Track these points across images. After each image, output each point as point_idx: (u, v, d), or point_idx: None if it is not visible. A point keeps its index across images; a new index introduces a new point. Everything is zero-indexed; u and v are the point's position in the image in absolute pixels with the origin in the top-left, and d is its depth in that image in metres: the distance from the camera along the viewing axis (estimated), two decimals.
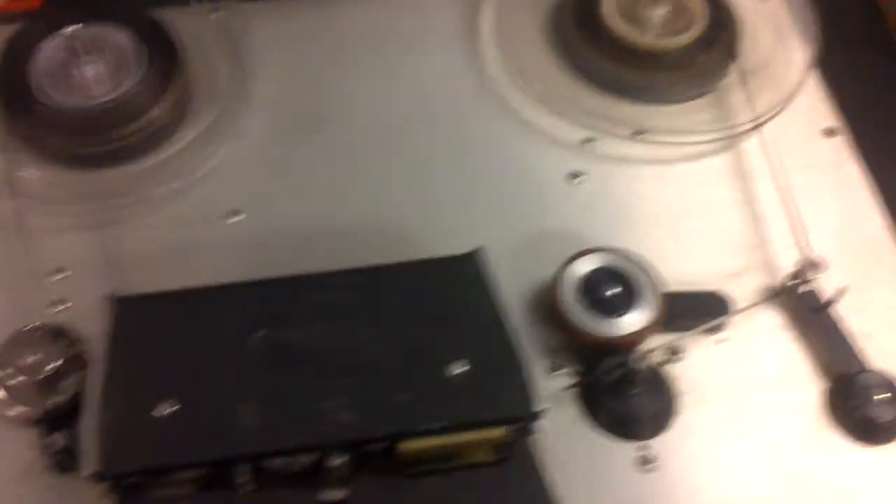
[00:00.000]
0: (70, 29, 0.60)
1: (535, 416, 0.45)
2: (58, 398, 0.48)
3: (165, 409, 0.45)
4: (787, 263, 0.54)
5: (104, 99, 0.58)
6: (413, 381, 0.45)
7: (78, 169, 0.58)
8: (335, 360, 0.46)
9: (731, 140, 0.61)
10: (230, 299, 0.49)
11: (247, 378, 0.46)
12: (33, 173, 0.58)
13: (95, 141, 0.58)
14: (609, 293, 0.50)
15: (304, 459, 0.45)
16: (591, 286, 0.50)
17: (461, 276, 0.49)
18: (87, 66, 0.59)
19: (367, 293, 0.49)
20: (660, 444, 0.49)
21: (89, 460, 0.43)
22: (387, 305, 0.48)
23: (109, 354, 0.47)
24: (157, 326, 0.48)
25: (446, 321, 0.48)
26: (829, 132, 0.62)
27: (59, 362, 0.48)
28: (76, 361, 0.49)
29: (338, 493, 0.46)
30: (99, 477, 0.43)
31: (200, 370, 0.46)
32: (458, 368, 0.46)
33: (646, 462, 0.48)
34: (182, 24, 0.62)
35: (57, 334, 0.50)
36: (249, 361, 0.46)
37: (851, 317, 0.52)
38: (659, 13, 0.63)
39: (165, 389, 0.45)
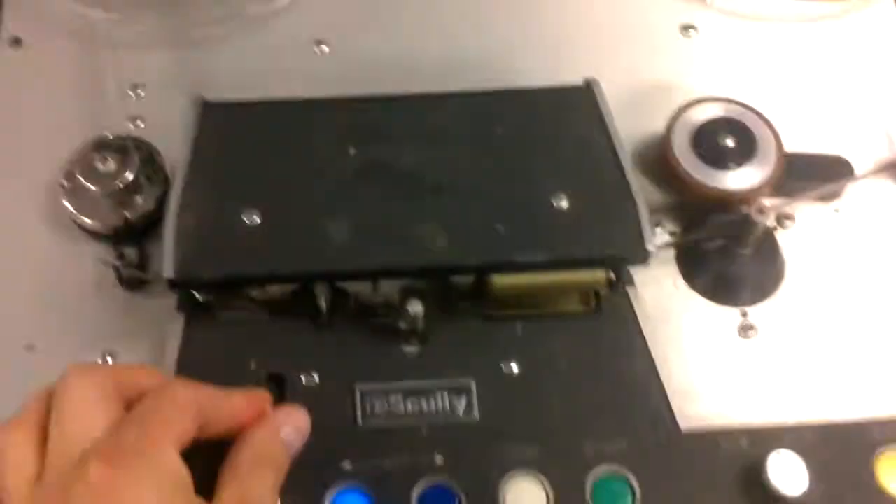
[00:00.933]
0: None
1: (647, 255, 0.42)
2: (133, 211, 0.47)
3: (248, 218, 0.42)
4: None
5: None
6: (515, 210, 0.42)
7: None
8: (431, 183, 0.43)
9: (854, 3, 0.56)
10: (322, 113, 0.46)
11: (336, 194, 0.43)
12: None
13: None
14: (726, 144, 0.47)
15: (388, 288, 0.43)
16: (707, 135, 0.47)
17: (575, 107, 0.46)
18: None
19: (472, 117, 0.45)
20: (761, 312, 0.46)
21: (167, 265, 0.41)
22: (492, 131, 0.45)
23: (192, 158, 0.44)
24: (243, 134, 0.45)
25: (557, 152, 0.44)
26: None
27: (136, 172, 0.47)
28: (153, 175, 0.48)
29: (413, 349, 0.43)
30: (174, 283, 0.41)
31: (287, 182, 0.44)
32: (567, 200, 0.43)
33: (746, 329, 0.46)
34: None
35: (136, 145, 0.48)
36: (340, 177, 0.44)
37: None
38: None
39: (249, 199, 0.43)
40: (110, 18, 0.54)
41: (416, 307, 0.42)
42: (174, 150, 0.46)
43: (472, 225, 0.42)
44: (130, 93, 0.52)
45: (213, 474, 0.34)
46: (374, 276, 0.42)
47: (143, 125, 0.51)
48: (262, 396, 0.37)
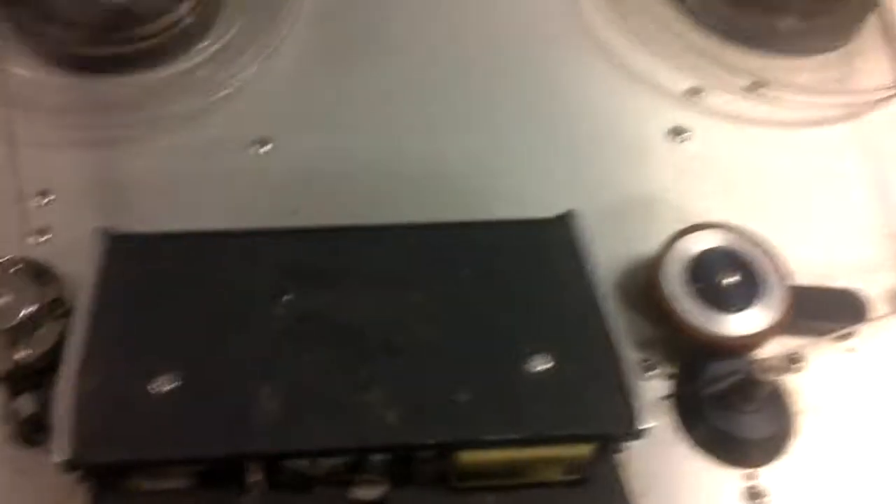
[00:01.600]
0: None
1: (638, 434, 0.36)
2: (29, 352, 0.40)
3: (161, 383, 0.36)
4: None
5: None
6: (482, 374, 0.36)
7: (79, 74, 0.51)
8: (382, 339, 0.37)
9: (863, 106, 0.52)
10: (252, 250, 0.40)
11: (267, 353, 0.37)
12: (25, 74, 0.50)
13: (105, 40, 0.51)
14: (726, 282, 0.41)
15: (333, 461, 0.36)
16: (704, 270, 0.41)
17: (550, 244, 0.40)
18: None
19: (428, 256, 0.39)
20: (772, 474, 0.40)
21: (60, 443, 0.34)
22: (452, 274, 0.39)
23: (94, 306, 0.38)
24: (157, 275, 0.39)
25: (529, 301, 0.38)
26: None
27: (35, 307, 0.40)
28: (54, 308, 0.41)
29: (373, 492, 0.37)
30: (70, 466, 0.35)
31: (209, 339, 0.37)
32: (541, 364, 0.36)
33: (755, 496, 0.39)
34: None
35: (35, 272, 0.42)
36: (272, 332, 0.37)
37: None
38: None
39: (163, 359, 0.36)
40: (19, 115, 0.47)
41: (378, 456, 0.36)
42: (83, 270, 0.39)
43: (430, 393, 0.36)
44: (35, 199, 0.46)
45: None
46: (312, 456, 0.36)
47: (48, 238, 0.45)
48: None
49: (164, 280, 0.39)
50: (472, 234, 0.40)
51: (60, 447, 0.34)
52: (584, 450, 0.36)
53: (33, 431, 0.39)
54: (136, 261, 0.39)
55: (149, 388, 0.35)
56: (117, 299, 0.38)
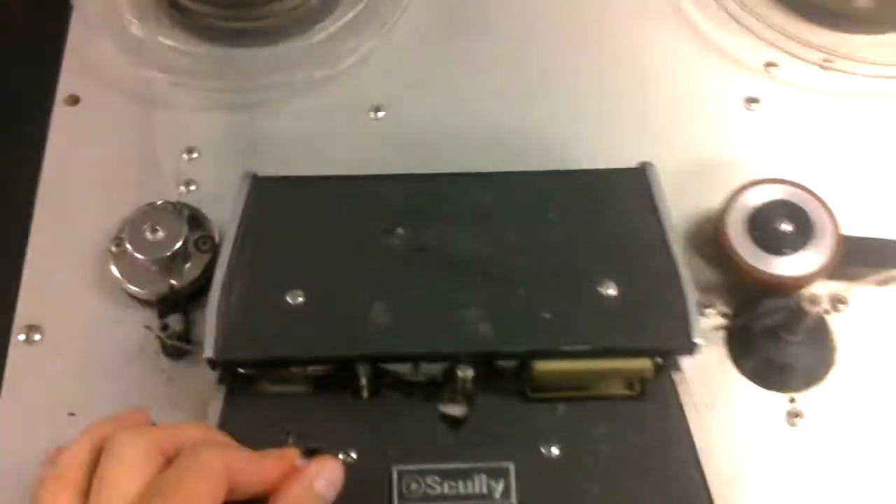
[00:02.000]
0: None
1: (694, 348, 0.41)
2: (179, 280, 0.47)
3: (292, 297, 0.42)
4: None
5: None
6: (562, 296, 0.42)
7: (222, 44, 0.57)
8: (478, 266, 0.43)
9: None
10: (371, 191, 0.46)
11: (381, 276, 0.43)
12: (175, 44, 0.57)
13: (246, 15, 0.56)
14: (782, 228, 0.45)
15: (430, 369, 0.42)
16: (763, 219, 0.46)
17: (629, 191, 0.45)
18: None
19: (522, 199, 0.45)
20: (810, 399, 0.45)
21: (209, 343, 0.41)
22: (542, 214, 0.44)
23: (239, 235, 0.44)
24: (292, 211, 0.45)
25: (607, 237, 0.44)
26: None
27: (184, 241, 0.47)
28: (201, 244, 0.48)
29: (458, 409, 0.43)
30: (215, 363, 0.41)
31: (333, 262, 0.43)
32: (615, 288, 0.42)
33: (794, 415, 0.44)
34: None
35: (184, 214, 0.48)
36: (386, 258, 0.43)
37: None
38: None
39: (294, 278, 0.42)
40: (168, 80, 0.54)
41: (466, 372, 0.41)
42: (225, 216, 0.45)
43: (517, 311, 0.42)
44: (184, 156, 0.53)
45: None
46: (415, 360, 0.42)
47: (195, 188, 0.52)
48: (291, 455, 0.37)
49: (297, 215, 0.45)
50: (559, 181, 0.46)
51: (208, 348, 0.41)
52: (645, 363, 0.41)
53: (179, 347, 0.46)
54: (273, 199, 0.46)
55: (281, 302, 0.42)
56: (257, 231, 0.44)
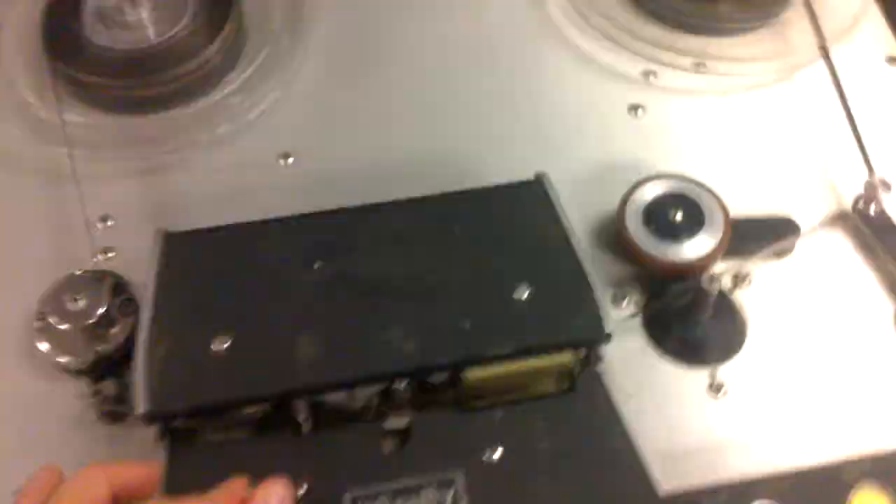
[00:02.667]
0: None
1: (607, 337, 0.44)
2: (107, 345, 0.48)
3: (218, 343, 0.43)
4: (852, 188, 0.53)
5: (157, 40, 0.58)
6: (479, 306, 0.44)
7: (126, 114, 0.58)
8: (396, 288, 0.45)
9: (793, 69, 0.59)
10: (284, 232, 0.47)
11: (304, 309, 0.44)
12: (80, 119, 0.57)
13: (147, 84, 0.57)
14: (675, 218, 0.48)
15: (365, 393, 0.43)
16: (657, 211, 0.49)
17: (527, 201, 0.48)
18: (138, 7, 0.59)
19: (430, 220, 0.47)
20: (729, 370, 0.48)
21: (140, 399, 0.42)
22: (450, 232, 0.47)
23: (157, 290, 0.45)
24: (207, 261, 0.47)
25: (513, 246, 0.46)
26: (893, 60, 0.60)
27: (107, 306, 0.47)
28: (126, 307, 0.49)
29: (401, 421, 0.45)
30: (149, 418, 0.42)
31: (255, 304, 0.45)
32: (526, 292, 0.44)
33: (716, 389, 0.47)
34: None
35: (105, 279, 0.49)
36: (306, 293, 0.45)
37: None
38: None
39: (218, 324, 0.44)
40: (75, 154, 0.55)
41: (402, 384, 0.43)
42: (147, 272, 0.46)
43: (438, 325, 0.44)
44: (99, 224, 0.53)
45: None
46: (347, 386, 0.43)
47: (113, 255, 0.52)
48: (238, 485, 0.38)
49: (212, 264, 0.46)
50: (463, 200, 0.48)
51: (141, 402, 0.41)
52: (567, 357, 0.44)
53: (117, 410, 0.46)
54: (187, 252, 0.47)
55: (207, 349, 0.43)
56: (176, 284, 0.45)
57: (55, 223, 0.54)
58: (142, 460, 0.39)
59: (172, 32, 0.58)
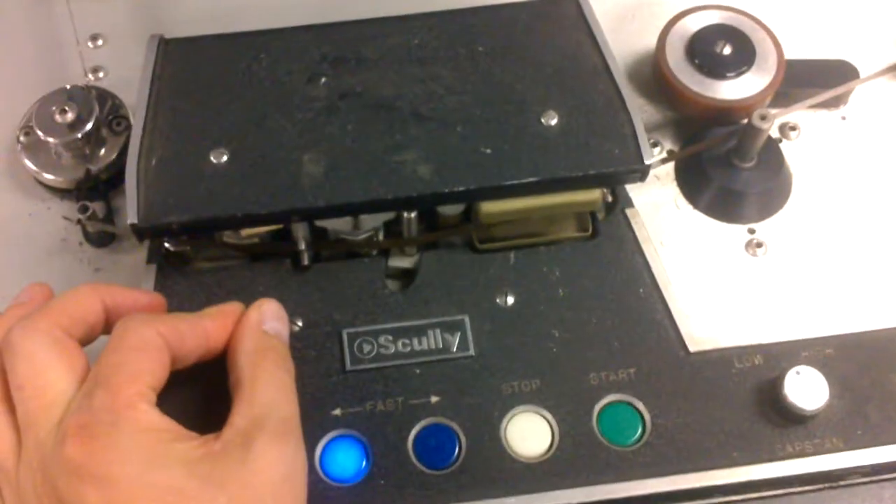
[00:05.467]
0: None
1: (644, 170, 0.39)
2: (95, 164, 0.44)
3: (216, 157, 0.39)
4: None
5: None
6: (502, 131, 0.40)
7: None
8: (410, 108, 0.40)
9: None
10: (289, 42, 0.43)
11: (309, 127, 0.40)
12: None
13: None
14: (723, 52, 0.44)
15: (370, 222, 0.40)
16: (703, 44, 0.44)
17: (560, 19, 0.43)
18: None
19: (449, 37, 0.43)
20: (769, 228, 0.44)
21: (131, 210, 0.38)
22: (472, 50, 0.42)
23: (151, 98, 0.41)
24: (206, 71, 0.42)
25: (543, 67, 0.41)
26: None
27: (95, 121, 0.44)
28: (115, 126, 0.45)
29: (407, 261, 0.41)
30: (140, 230, 0.38)
31: (255, 118, 0.41)
32: (556, 118, 0.40)
33: (754, 245, 0.43)
34: None
35: (96, 95, 0.45)
36: (312, 109, 0.41)
37: None
38: None
39: (216, 136, 0.40)
40: None
41: (412, 214, 0.39)
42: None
43: (455, 150, 0.39)
44: (89, 43, 0.50)
45: (209, 398, 0.33)
46: (353, 210, 0.39)
47: (103, 76, 0.49)
48: (232, 309, 0.35)
49: (212, 74, 0.42)
50: (489, 15, 0.43)
51: (132, 213, 0.38)
52: (594, 195, 0.40)
53: (103, 233, 0.43)
54: (185, 60, 0.43)
55: (205, 161, 0.39)
56: (171, 93, 0.42)
57: (44, 43, 0.50)
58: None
59: None
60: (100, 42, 0.50)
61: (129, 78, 0.45)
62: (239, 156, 0.39)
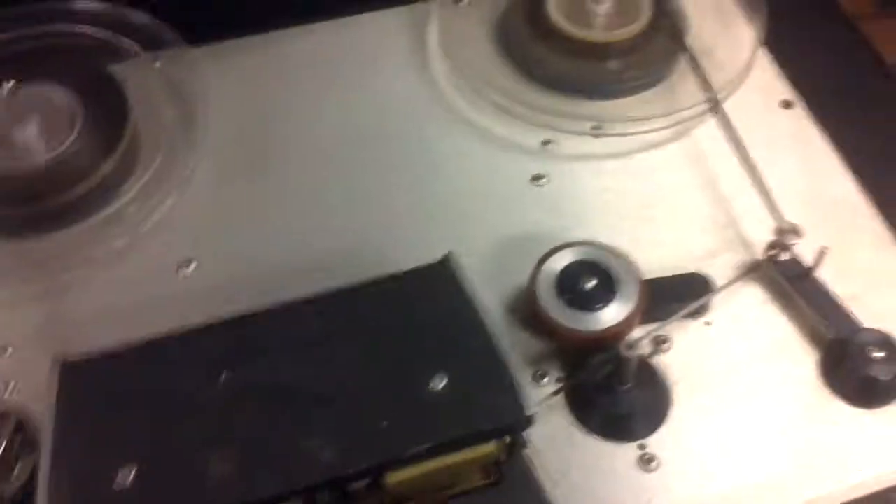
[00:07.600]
0: (5, 88, 0.58)
1: (527, 421, 0.42)
2: (9, 486, 0.45)
3: (122, 475, 0.40)
4: (762, 236, 0.53)
5: (47, 158, 0.56)
6: (395, 402, 0.42)
7: (17, 237, 0.56)
8: (308, 393, 0.43)
9: (688, 124, 0.59)
10: (186, 346, 0.45)
11: (213, 427, 0.42)
12: None
13: (37, 204, 0.55)
14: (588, 286, 0.48)
15: None
16: (569, 281, 0.48)
17: (436, 284, 0.46)
18: (25, 126, 0.57)
19: (337, 317, 0.45)
20: (659, 440, 0.46)
21: None
22: (360, 327, 0.45)
23: (56, 424, 0.42)
24: (107, 388, 0.44)
25: (426, 333, 0.44)
26: (787, 104, 0.62)
27: (3, 447, 0.45)
28: (26, 446, 0.46)
29: None
30: None
31: (159, 428, 0.42)
32: (442, 382, 0.43)
33: (647, 461, 0.46)
34: (124, 76, 0.61)
35: (7, 418, 0.46)
36: (214, 408, 0.43)
37: (834, 281, 0.50)
38: (603, 7, 0.62)
39: (124, 454, 0.41)
40: None
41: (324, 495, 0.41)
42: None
43: (356, 429, 0.42)
44: None
45: None
46: (268, 502, 0.41)
47: (13, 386, 0.50)
48: None
49: (114, 391, 0.44)
50: (370, 291, 0.46)
51: None
52: (491, 447, 0.42)
53: None
54: (86, 380, 0.44)
55: (110, 481, 0.40)
56: (76, 416, 0.43)
57: None
58: None
59: (62, 150, 0.56)
60: (9, 351, 0.51)
61: (39, 387, 0.45)
62: (146, 472, 0.41)
